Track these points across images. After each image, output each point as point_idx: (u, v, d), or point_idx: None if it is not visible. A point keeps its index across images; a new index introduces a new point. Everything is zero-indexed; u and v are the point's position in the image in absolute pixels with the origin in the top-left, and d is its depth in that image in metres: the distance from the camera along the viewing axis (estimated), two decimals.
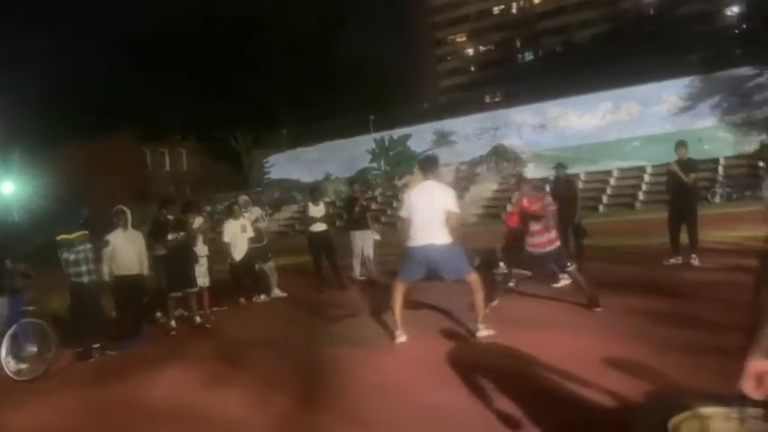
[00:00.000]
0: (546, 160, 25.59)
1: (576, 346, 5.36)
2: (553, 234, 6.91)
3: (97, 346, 6.80)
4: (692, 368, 4.36)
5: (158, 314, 8.54)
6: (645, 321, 5.92)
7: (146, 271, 7.54)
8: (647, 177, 25.17)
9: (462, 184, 30.19)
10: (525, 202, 7.11)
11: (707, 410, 2.90)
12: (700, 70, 26.74)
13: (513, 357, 5.11)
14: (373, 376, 5.12)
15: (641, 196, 24.60)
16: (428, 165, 6.19)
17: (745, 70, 24.91)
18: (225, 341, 7.14)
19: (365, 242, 10.54)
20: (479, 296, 5.92)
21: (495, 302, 6.80)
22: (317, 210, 10.18)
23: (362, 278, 10.54)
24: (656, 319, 5.93)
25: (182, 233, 7.80)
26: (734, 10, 47.75)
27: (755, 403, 2.85)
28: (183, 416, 4.62)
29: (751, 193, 22.55)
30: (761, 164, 23.14)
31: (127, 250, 7.23)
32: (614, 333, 5.63)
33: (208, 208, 26.88)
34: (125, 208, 7.44)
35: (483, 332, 5.90)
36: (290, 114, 45.41)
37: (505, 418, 3.82)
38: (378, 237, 11.02)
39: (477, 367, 5.00)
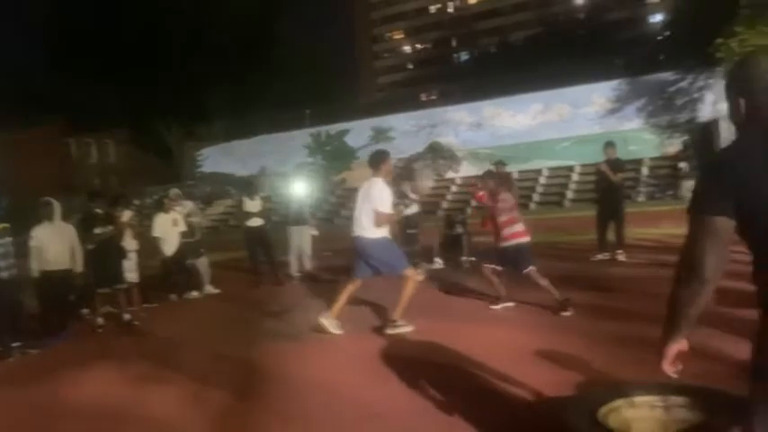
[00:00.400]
0: (481, 158, 26.08)
1: (506, 338, 5.49)
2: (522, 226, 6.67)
3: (18, 344, 6.46)
4: (619, 359, 4.53)
5: (85, 311, 8.19)
6: (574, 314, 6.11)
7: (79, 265, 7.18)
8: (575, 176, 26.07)
9: (399, 180, 30.39)
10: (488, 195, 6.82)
11: (634, 399, 3.03)
12: (626, 74, 27.90)
13: (443, 351, 5.17)
14: (307, 371, 5.08)
15: (570, 195, 25.48)
16: (373, 161, 6.36)
17: (669, 75, 26.14)
18: (155, 339, 6.92)
19: (302, 238, 10.42)
20: (407, 293, 6.01)
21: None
22: (253, 204, 10.01)
23: (298, 274, 10.44)
24: (584, 312, 6.14)
25: (110, 227, 7.49)
26: (657, 17, 50.10)
27: (678, 392, 3.00)
28: (111, 416, 4.44)
29: (672, 193, 23.76)
30: (681, 165, 24.38)
31: (54, 244, 6.89)
32: (544, 326, 5.79)
33: (137, 201, 26.01)
34: (52, 200, 7.08)
35: (398, 329, 5.99)
36: (224, 106, 44.44)
37: (434, 412, 3.86)
38: (315, 232, 10.92)
39: (408, 362, 5.06)
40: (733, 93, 1.84)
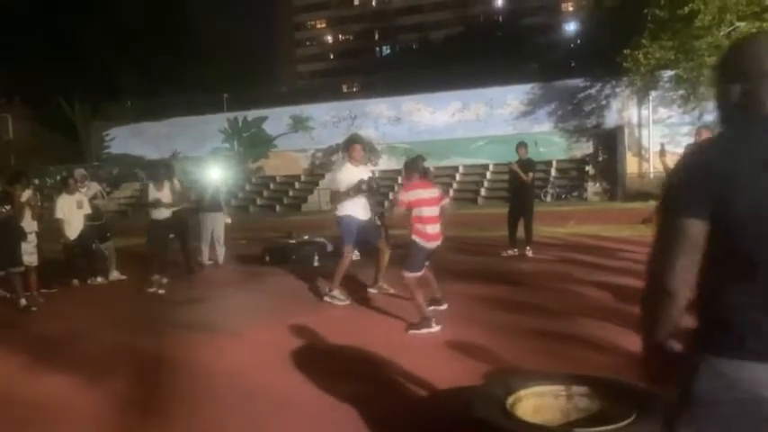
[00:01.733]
0: (399, 152, 26.33)
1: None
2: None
3: None
4: (526, 350, 4.73)
5: None
6: (483, 307, 6.32)
7: None
8: (488, 175, 26.85)
9: (318, 170, 30.26)
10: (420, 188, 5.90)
11: (539, 389, 3.18)
12: (540, 78, 29.02)
13: (353, 341, 5.21)
14: (217, 361, 4.97)
15: (483, 192, 26.25)
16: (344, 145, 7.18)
17: (578, 81, 27.41)
18: (53, 326, 6.54)
19: (216, 225, 10.15)
20: (339, 270, 6.84)
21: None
22: (162, 194, 8.57)
23: (210, 262, 10.18)
24: (493, 305, 6.35)
25: (7, 207, 7.01)
26: (570, 26, 52.37)
27: (580, 382, 3.17)
28: (2, 403, 4.19)
29: (577, 195, 25.00)
30: (587, 168, 25.69)
31: None
32: (454, 318, 5.93)
33: (36, 181, 24.50)
34: None
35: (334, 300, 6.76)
36: (135, 85, 42.52)
37: (344, 402, 3.89)
38: (229, 220, 10.67)
39: (318, 352, 5.08)
40: (725, 78, 1.60)
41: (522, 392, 3.14)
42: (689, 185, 1.52)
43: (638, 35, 21.61)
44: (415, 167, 6.07)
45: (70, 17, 43.97)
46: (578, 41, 42.87)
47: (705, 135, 9.80)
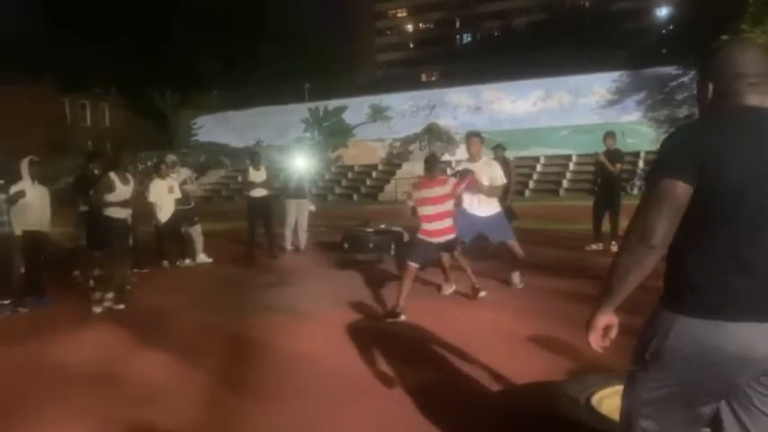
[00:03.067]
0: None
1: (493, 321, 5.52)
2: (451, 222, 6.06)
3: (7, 302, 6.42)
4: (609, 348, 4.55)
5: (76, 273, 8.14)
6: (564, 301, 6.12)
7: (47, 229, 7.07)
8: (572, 166, 26.07)
9: (395, 160, 30.34)
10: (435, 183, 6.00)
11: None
12: (628, 65, 27.80)
13: (432, 331, 5.17)
14: (296, 344, 5.08)
15: (566, 184, 25.51)
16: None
17: (670, 69, 26.10)
18: (146, 305, 6.89)
19: (300, 212, 10.35)
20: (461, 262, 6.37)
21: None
22: (257, 175, 9.89)
23: (292, 248, 10.42)
24: (574, 300, 6.15)
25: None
26: (662, 11, 49.82)
27: None
28: (101, 376, 4.44)
29: None
30: None
31: (36, 205, 6.75)
32: (534, 311, 5.81)
33: (134, 167, 25.75)
34: (37, 159, 6.94)
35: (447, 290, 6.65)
36: (221, 75, 44.02)
37: (422, 392, 3.86)
38: (313, 207, 10.85)
39: (398, 340, 5.07)
40: (703, 77, 1.87)
41: (609, 389, 3.03)
42: (676, 153, 1.74)
43: (737, 20, 20.28)
44: (427, 164, 6.16)
45: (162, 10, 45.92)
46: (670, 27, 40.75)
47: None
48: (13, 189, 6.50)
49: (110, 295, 6.54)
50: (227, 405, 3.90)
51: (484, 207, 6.65)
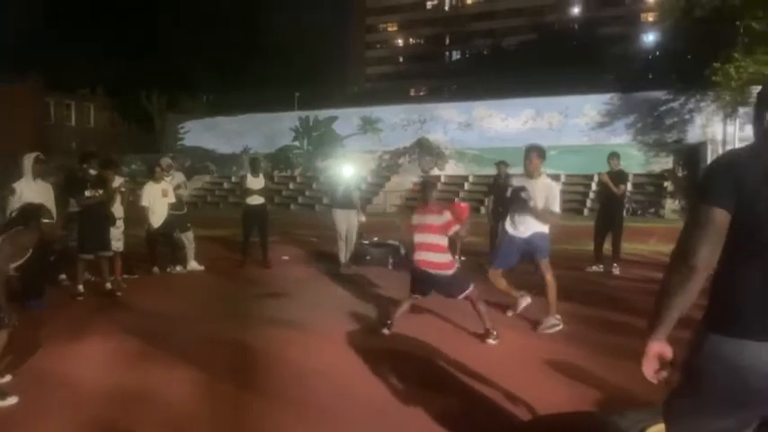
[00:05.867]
0: (467, 159, 26.05)
1: (516, 345, 5.34)
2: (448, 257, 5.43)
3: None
4: (627, 373, 4.39)
5: (62, 276, 7.81)
6: (581, 326, 5.98)
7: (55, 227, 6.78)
8: (560, 186, 26.12)
9: (384, 172, 30.21)
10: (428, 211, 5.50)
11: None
12: (619, 89, 28.03)
13: (451, 354, 4.97)
14: (304, 359, 4.86)
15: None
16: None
17: (660, 94, 26.33)
18: (137, 312, 6.60)
19: (350, 223, 9.31)
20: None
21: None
22: (256, 182, 9.61)
23: (346, 263, 9.30)
24: (591, 325, 6.03)
25: (100, 191, 7.12)
26: (650, 37, 50.57)
27: None
28: (96, 390, 4.17)
29: (654, 211, 23.99)
30: (666, 184, 24.55)
31: (39, 202, 6.46)
32: (555, 335, 5.64)
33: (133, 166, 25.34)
34: (43, 157, 6.68)
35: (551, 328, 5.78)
36: (210, 80, 43.70)
37: (435, 415, 3.68)
38: (363, 219, 9.69)
39: (411, 360, 4.87)
40: (761, 106, 1.88)
41: (659, 426, 2.85)
42: (717, 181, 1.78)
43: (730, 48, 20.57)
44: (421, 191, 5.67)
45: (151, 11, 45.57)
46: (657, 53, 41.30)
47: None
48: (15, 187, 6.28)
49: None
50: (231, 424, 3.67)
51: (529, 226, 5.85)
